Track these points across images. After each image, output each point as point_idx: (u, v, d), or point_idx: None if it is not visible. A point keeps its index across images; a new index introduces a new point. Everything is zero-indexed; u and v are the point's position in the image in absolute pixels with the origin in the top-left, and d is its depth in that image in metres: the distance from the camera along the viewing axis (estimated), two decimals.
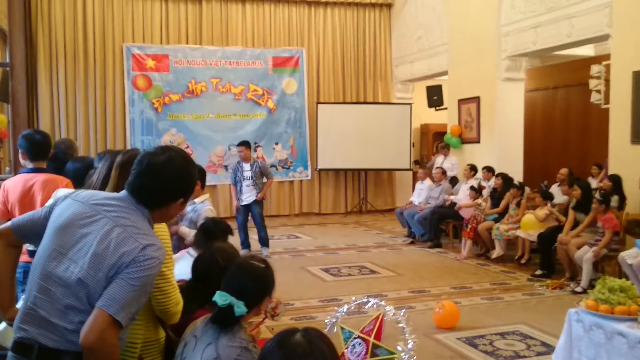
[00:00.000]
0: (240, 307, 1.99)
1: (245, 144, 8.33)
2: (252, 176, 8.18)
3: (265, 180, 8.28)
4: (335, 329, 2.87)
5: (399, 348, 2.72)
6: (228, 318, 2.01)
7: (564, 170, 8.46)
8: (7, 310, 2.17)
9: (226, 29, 12.23)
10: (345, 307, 2.99)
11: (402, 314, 2.83)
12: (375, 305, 2.96)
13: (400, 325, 2.79)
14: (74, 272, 1.85)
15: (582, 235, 6.66)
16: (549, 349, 4.52)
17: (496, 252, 7.94)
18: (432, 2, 11.78)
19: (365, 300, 3.01)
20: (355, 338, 2.85)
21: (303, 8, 12.77)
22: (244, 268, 2.14)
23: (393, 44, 13.38)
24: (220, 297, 2.02)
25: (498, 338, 4.89)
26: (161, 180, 1.96)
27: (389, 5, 13.33)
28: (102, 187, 2.37)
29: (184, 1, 11.96)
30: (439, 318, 5.17)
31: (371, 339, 2.78)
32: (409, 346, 2.72)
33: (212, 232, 3.44)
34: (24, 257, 3.18)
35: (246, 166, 8.24)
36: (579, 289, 6.27)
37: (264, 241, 8.35)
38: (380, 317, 2.88)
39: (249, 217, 8.40)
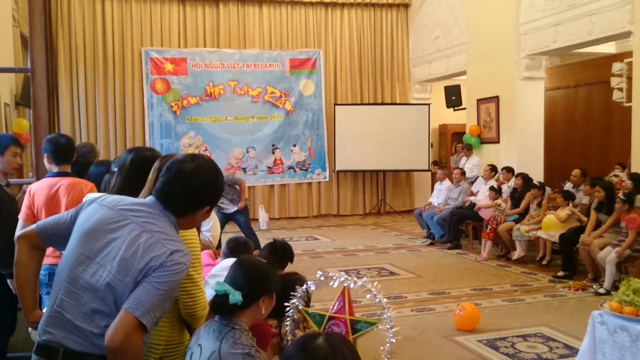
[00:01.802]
0: (235, 296, 2.00)
1: None
2: (222, 194, 7.69)
3: (238, 187, 7.72)
4: (290, 320, 2.75)
5: (387, 314, 2.62)
6: (223, 306, 2.04)
7: (576, 172, 8.32)
8: (30, 313, 2.19)
9: (243, 32, 12.29)
10: (300, 291, 2.84)
11: (365, 280, 2.75)
12: (335, 281, 2.83)
13: (372, 292, 2.71)
14: (103, 276, 1.87)
15: (604, 235, 6.56)
16: (572, 351, 4.46)
17: (517, 253, 7.86)
18: (450, 1, 11.70)
19: (319, 276, 2.88)
20: (329, 320, 2.77)
21: (320, 9, 12.78)
22: (244, 262, 2.16)
23: (410, 44, 13.33)
24: (218, 285, 2.05)
25: (520, 340, 4.83)
26: (189, 187, 1.98)
27: (406, 6, 13.29)
28: (120, 190, 2.40)
29: (201, 5, 12.05)
30: (460, 320, 5.13)
31: (347, 317, 2.71)
32: (388, 312, 2.63)
33: (280, 252, 3.71)
34: (49, 260, 3.24)
35: None
36: (602, 291, 6.19)
37: (258, 247, 8.02)
38: (346, 291, 2.80)
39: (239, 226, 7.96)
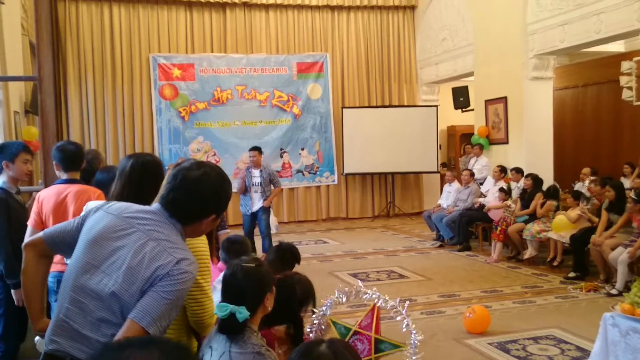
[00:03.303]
0: (242, 313, 1.98)
1: (257, 149, 8.14)
2: (261, 182, 8.01)
3: (273, 187, 8.11)
4: (321, 326, 2.68)
5: (413, 336, 2.54)
6: (234, 326, 2.01)
7: (586, 170, 8.26)
8: (38, 321, 2.20)
9: (250, 36, 12.32)
10: (329, 300, 2.75)
11: (398, 301, 2.66)
12: (369, 295, 2.72)
13: (401, 315, 2.62)
14: (108, 285, 1.86)
15: (616, 236, 6.50)
16: (584, 353, 4.41)
17: (528, 253, 7.81)
18: (457, 2, 11.67)
19: (349, 291, 2.76)
20: (354, 334, 2.70)
21: (326, 13, 12.78)
22: (237, 272, 2.13)
23: (417, 46, 13.31)
24: (220, 309, 2.01)
25: (531, 343, 4.79)
26: (194, 195, 1.96)
27: (413, 7, 13.26)
28: (120, 195, 2.40)
29: (208, 10, 12.09)
30: (470, 323, 5.10)
31: (372, 334, 2.63)
32: (414, 336, 2.54)
33: (286, 255, 3.71)
34: (57, 267, 3.25)
35: (255, 172, 8.07)
36: (614, 291, 6.13)
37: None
38: (376, 308, 2.71)
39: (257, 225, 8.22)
